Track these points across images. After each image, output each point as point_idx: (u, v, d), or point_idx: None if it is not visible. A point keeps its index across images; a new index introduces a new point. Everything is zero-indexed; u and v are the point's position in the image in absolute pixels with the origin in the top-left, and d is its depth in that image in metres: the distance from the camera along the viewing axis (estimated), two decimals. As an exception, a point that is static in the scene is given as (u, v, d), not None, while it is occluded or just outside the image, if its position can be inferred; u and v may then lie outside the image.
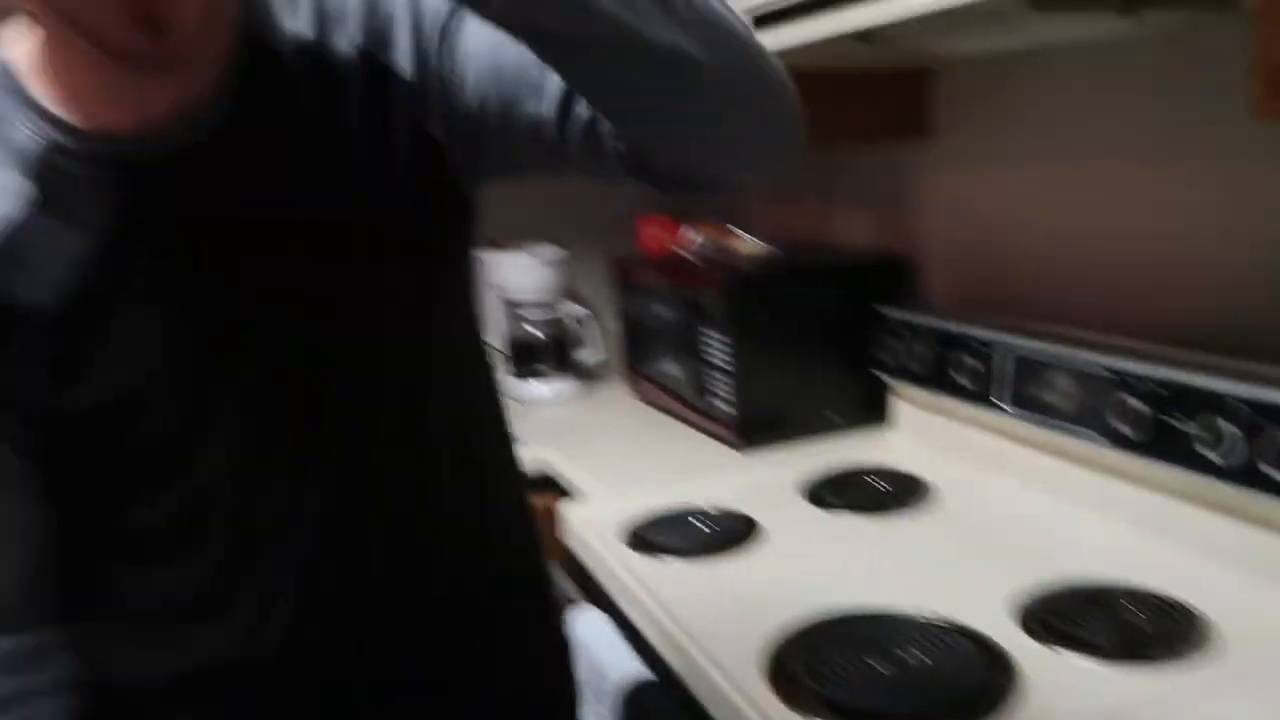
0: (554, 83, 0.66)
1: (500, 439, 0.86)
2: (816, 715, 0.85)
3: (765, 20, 1.14)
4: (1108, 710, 0.83)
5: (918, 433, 1.55)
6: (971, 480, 1.38)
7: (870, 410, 1.64)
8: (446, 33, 0.71)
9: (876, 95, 1.59)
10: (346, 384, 0.72)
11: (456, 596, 0.81)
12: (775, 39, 1.11)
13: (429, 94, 0.71)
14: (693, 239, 1.96)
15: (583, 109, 0.65)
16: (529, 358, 2.05)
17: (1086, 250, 1.37)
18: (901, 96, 1.61)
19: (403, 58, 0.71)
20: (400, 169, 0.71)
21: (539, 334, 2.05)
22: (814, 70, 1.39)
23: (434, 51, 0.71)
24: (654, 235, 2.14)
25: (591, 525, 1.32)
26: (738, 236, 1.91)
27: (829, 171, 1.93)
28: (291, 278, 0.70)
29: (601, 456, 1.65)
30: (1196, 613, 0.97)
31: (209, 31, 0.64)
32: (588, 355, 2.14)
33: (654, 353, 1.89)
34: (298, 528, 0.73)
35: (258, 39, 0.69)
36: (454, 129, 0.72)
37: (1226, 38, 1.07)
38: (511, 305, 2.09)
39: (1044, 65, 1.37)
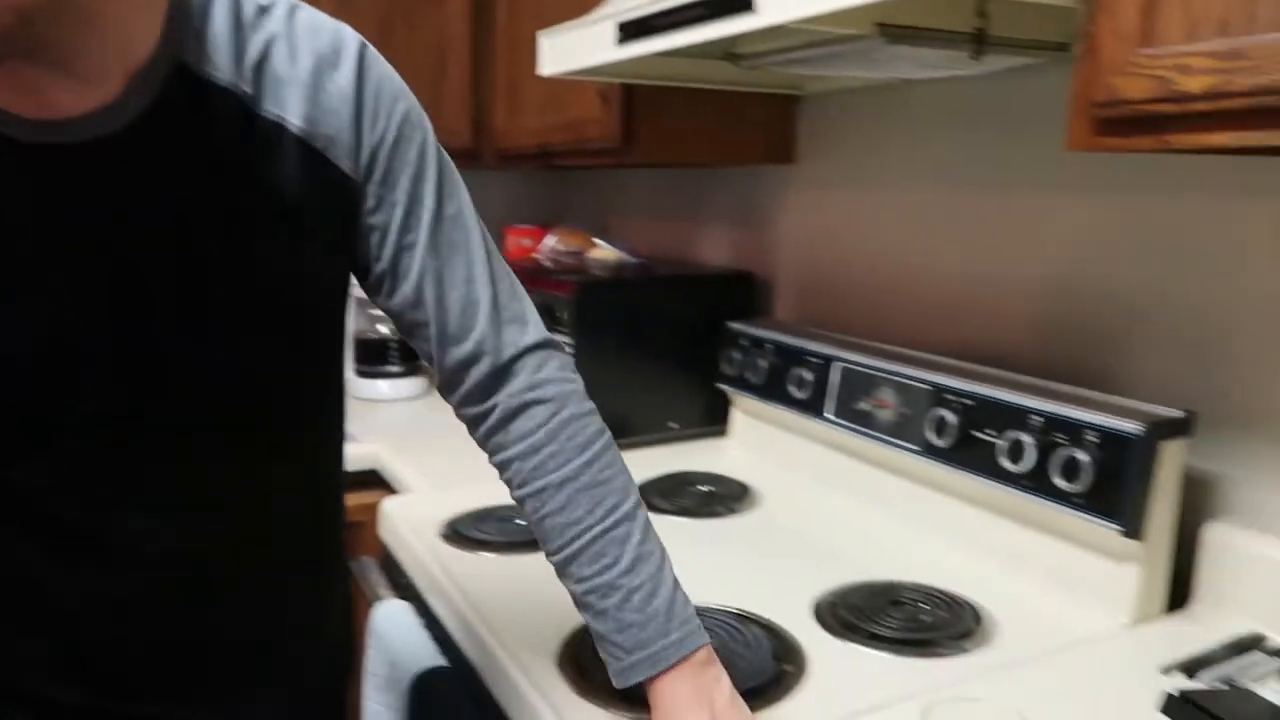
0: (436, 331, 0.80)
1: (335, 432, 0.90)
2: (602, 701, 0.85)
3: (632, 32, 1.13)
4: (888, 696, 0.87)
5: (752, 442, 1.57)
6: (796, 487, 1.43)
7: (712, 420, 1.65)
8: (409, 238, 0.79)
9: (747, 120, 1.62)
10: (200, 374, 0.75)
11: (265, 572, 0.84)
12: (645, 48, 1.11)
13: (359, 229, 0.78)
14: (553, 246, 1.96)
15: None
16: (375, 356, 2.00)
17: (914, 274, 1.42)
18: (770, 123, 1.64)
19: (352, 173, 0.76)
20: (293, 219, 0.75)
21: (387, 332, 1.99)
22: (690, 90, 1.41)
23: (393, 232, 0.78)
24: (518, 243, 2.13)
25: (409, 520, 1.30)
26: (598, 245, 1.92)
27: (698, 191, 1.95)
28: (164, 279, 0.71)
29: (435, 455, 1.60)
30: (979, 608, 1.04)
31: (83, 38, 0.64)
32: (436, 356, 2.10)
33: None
34: (139, 495, 0.76)
35: (185, 69, 0.70)
36: (356, 263, 0.81)
37: (1055, 80, 1.18)
38: (361, 303, 2.03)
39: (898, 99, 1.43)
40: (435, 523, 1.28)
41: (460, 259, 0.80)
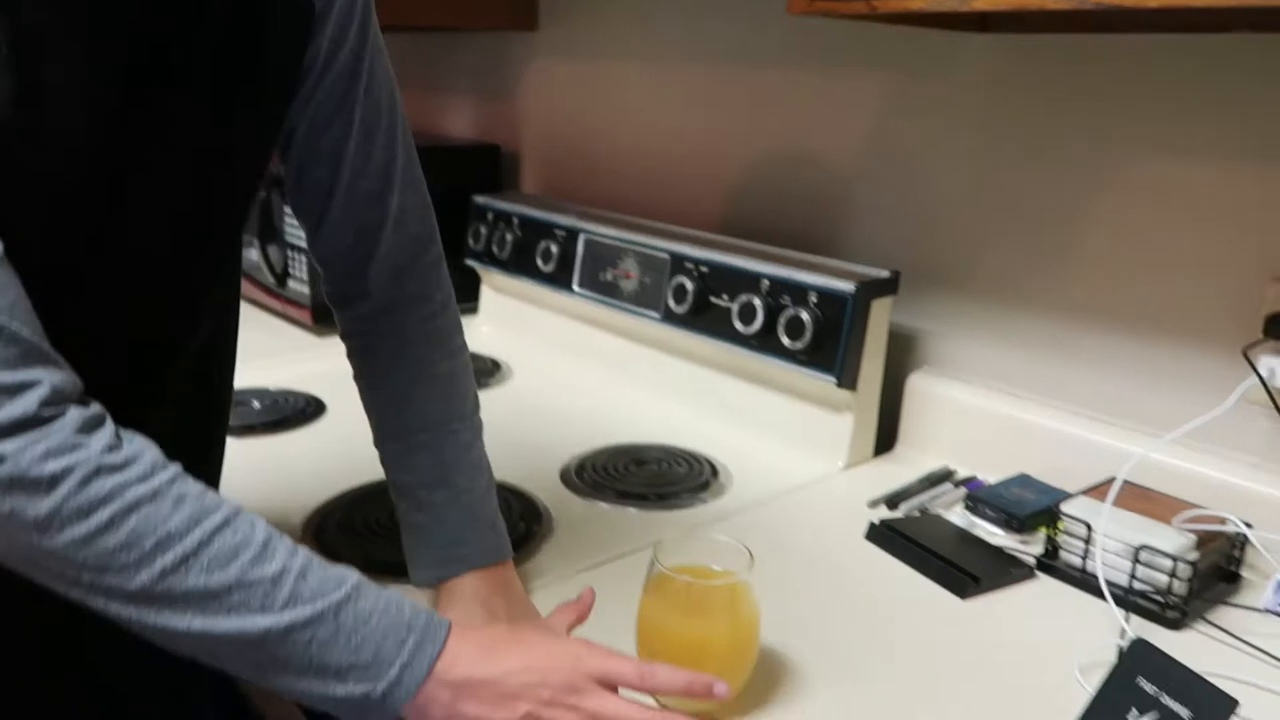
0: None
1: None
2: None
3: None
4: (631, 546, 0.92)
5: (502, 317, 1.57)
6: (546, 360, 1.46)
7: (461, 297, 1.62)
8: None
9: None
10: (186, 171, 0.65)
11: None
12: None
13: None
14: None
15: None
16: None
17: (656, 146, 1.44)
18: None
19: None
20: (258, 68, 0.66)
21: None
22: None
23: (331, 79, 0.69)
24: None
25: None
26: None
27: (441, 59, 1.86)
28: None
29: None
30: (716, 462, 1.11)
31: None
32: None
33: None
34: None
35: None
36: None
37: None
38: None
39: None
40: (160, 412, 1.19)
41: (383, 125, 0.73)
